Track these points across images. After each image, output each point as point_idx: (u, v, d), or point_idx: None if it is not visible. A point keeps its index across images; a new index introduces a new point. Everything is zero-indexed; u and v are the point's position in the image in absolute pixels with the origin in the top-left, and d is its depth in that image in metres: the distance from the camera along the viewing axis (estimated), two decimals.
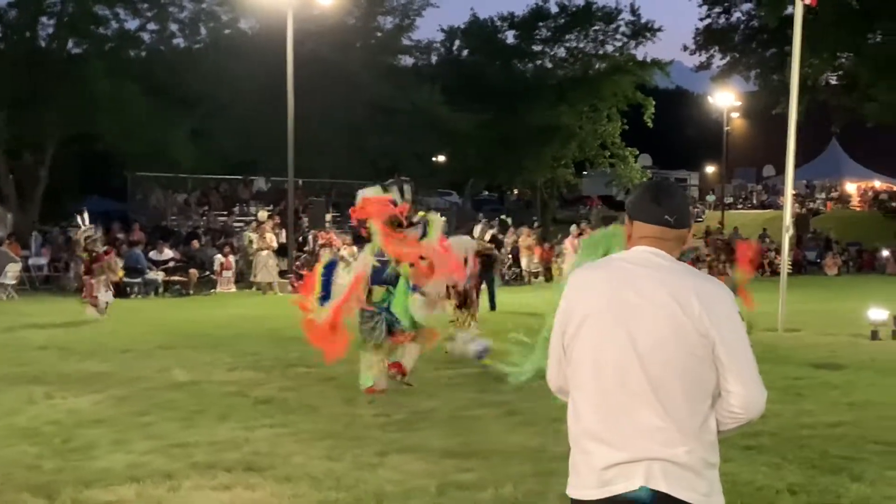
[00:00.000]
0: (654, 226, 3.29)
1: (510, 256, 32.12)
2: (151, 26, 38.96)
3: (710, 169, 69.98)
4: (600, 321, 3.22)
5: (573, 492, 3.30)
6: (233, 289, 28.14)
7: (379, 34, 46.91)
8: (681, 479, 3.12)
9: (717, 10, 49.91)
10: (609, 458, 3.16)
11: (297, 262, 28.50)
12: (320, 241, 30.44)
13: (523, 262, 32.47)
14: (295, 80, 29.21)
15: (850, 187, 57.46)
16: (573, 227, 33.22)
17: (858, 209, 53.74)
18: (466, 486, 7.10)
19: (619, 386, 3.18)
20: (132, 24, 38.33)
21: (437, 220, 11.47)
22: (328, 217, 37.76)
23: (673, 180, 64.31)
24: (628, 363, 3.16)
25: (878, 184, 56.63)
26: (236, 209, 38.49)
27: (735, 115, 58.47)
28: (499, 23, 51.72)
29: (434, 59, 52.26)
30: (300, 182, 37.19)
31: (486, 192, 61.52)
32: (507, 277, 31.14)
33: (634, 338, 3.16)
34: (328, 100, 38.35)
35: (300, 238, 32.15)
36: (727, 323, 3.19)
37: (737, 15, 50.29)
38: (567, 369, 3.34)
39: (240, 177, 40.33)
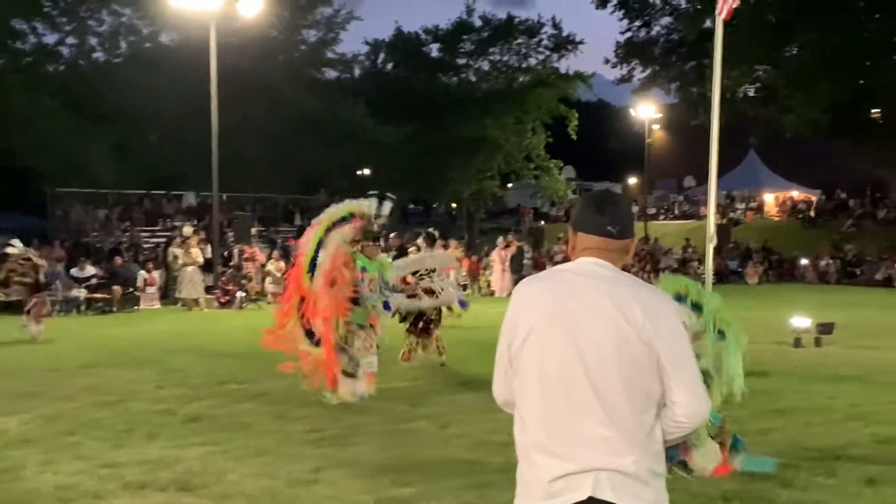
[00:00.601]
0: (597, 237, 3.31)
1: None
2: (70, 40, 38.51)
3: (632, 180, 70.85)
4: (546, 333, 3.23)
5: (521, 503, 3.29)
6: (157, 305, 27.79)
7: (303, 47, 46.74)
8: (628, 488, 3.13)
9: (638, 23, 50.59)
10: (556, 470, 3.16)
11: (223, 278, 28.23)
12: (245, 256, 30.24)
13: (450, 275, 32.46)
14: (218, 93, 28.96)
15: (769, 197, 58.45)
16: (500, 239, 33.42)
17: (777, 219, 54.69)
18: (404, 500, 7.08)
19: (564, 397, 3.18)
20: (51, 39, 37.82)
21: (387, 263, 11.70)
22: (254, 231, 37.47)
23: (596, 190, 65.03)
24: (574, 374, 3.17)
25: (795, 194, 57.66)
26: (159, 224, 38.03)
27: (656, 126, 59.24)
28: (423, 36, 51.93)
29: (358, 72, 52.27)
30: (224, 197, 36.87)
31: (412, 205, 61.58)
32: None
33: (580, 349, 3.17)
34: (252, 113, 38.14)
35: (225, 253, 31.85)
36: (671, 333, 3.21)
37: (657, 28, 51.04)
38: (513, 381, 3.34)
39: (163, 192, 39.86)
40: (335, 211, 10.68)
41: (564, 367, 3.19)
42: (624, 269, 3.33)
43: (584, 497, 3.12)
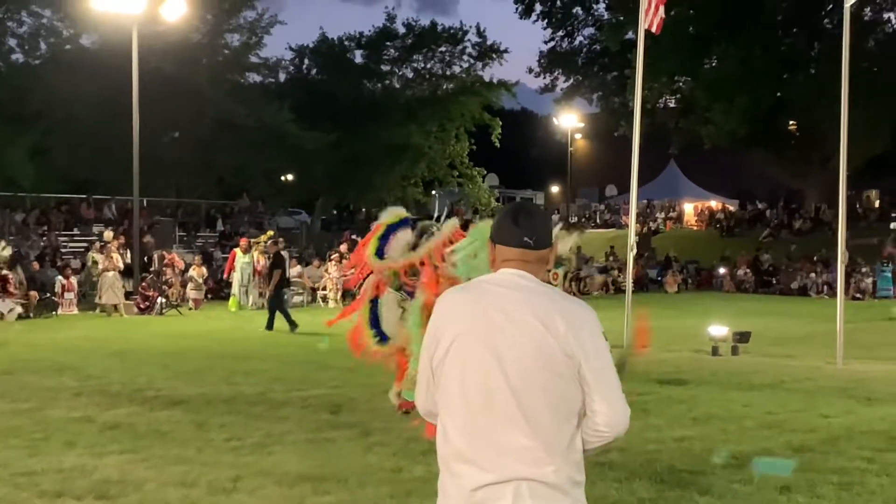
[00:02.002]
0: (515, 248, 3.33)
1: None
2: None
3: (555, 189, 71.46)
4: (468, 343, 3.25)
5: None
6: (75, 311, 27.33)
7: (226, 51, 46.37)
8: (548, 498, 3.15)
9: (561, 33, 51.19)
10: (478, 480, 3.17)
11: (143, 283, 27.87)
12: (165, 261, 29.90)
13: None
14: (140, 97, 28.62)
15: (688, 207, 59.34)
16: None
17: (696, 228, 55.53)
18: None
19: (486, 407, 3.20)
20: None
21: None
22: (175, 236, 37.08)
23: (518, 199, 65.48)
24: (495, 384, 3.20)
25: (714, 204, 58.63)
26: (78, 229, 37.41)
27: (579, 136, 59.92)
28: (347, 42, 51.84)
29: (283, 77, 52.00)
30: (145, 201, 36.43)
31: (336, 211, 61.36)
32: (357, 297, 31.00)
33: (501, 359, 3.20)
34: (174, 117, 37.77)
35: (146, 258, 31.44)
36: (592, 343, 3.25)
37: (580, 39, 51.73)
38: (436, 392, 3.36)
39: (83, 195, 39.24)
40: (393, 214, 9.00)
41: (486, 378, 3.21)
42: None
43: None
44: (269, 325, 21.65)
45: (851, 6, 17.45)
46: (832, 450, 8.96)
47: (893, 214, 48.94)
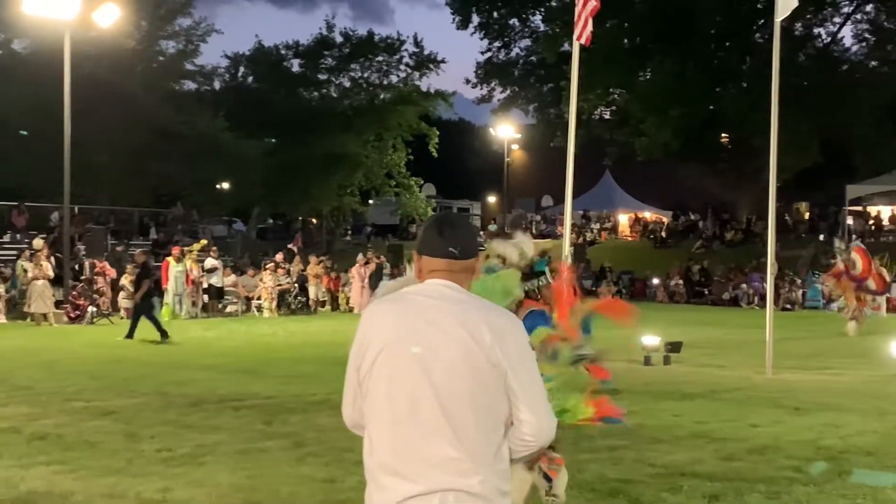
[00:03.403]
0: (441, 259, 3.35)
1: (296, 285, 31.91)
2: None
3: (492, 199, 71.64)
4: (394, 354, 3.25)
5: None
6: (3, 320, 26.87)
7: (161, 58, 45.97)
8: None
9: (497, 44, 51.40)
10: (404, 492, 3.17)
11: (74, 292, 27.47)
12: (97, 270, 29.49)
13: (311, 291, 32.32)
14: (72, 103, 28.24)
15: (623, 218, 59.82)
16: (360, 256, 33.43)
17: (630, 239, 56.00)
18: None
19: (412, 418, 3.20)
20: None
21: None
22: (107, 244, 36.57)
23: (456, 210, 65.65)
24: (422, 395, 3.20)
25: (648, 215, 59.18)
26: (7, 237, 36.75)
27: (516, 146, 60.10)
28: (284, 51, 51.67)
29: (218, 85, 51.67)
30: (76, 209, 35.93)
31: (272, 220, 61.08)
32: (293, 306, 30.95)
33: (428, 370, 3.20)
34: (106, 124, 37.30)
35: (76, 266, 30.98)
36: (518, 353, 3.27)
37: (516, 50, 51.96)
38: (363, 404, 3.35)
39: (13, 203, 38.58)
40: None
41: (413, 389, 3.21)
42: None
43: None
44: (130, 334, 21.27)
45: (782, 21, 17.72)
46: (760, 459, 9.07)
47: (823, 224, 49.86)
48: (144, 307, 22.11)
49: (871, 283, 24.48)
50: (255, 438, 10.10)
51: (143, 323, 21.31)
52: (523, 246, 6.78)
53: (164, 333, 21.13)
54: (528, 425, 3.27)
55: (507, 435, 3.28)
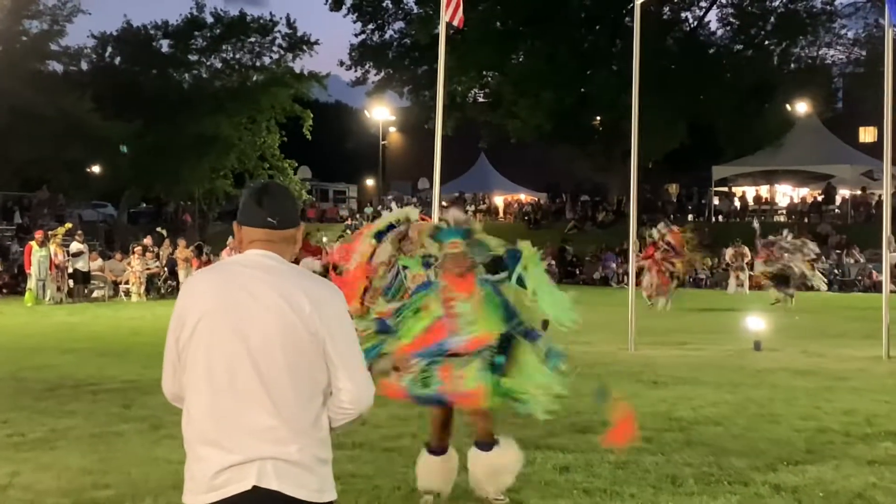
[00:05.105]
0: (259, 229, 3.35)
1: (165, 269, 31.37)
2: None
3: (369, 182, 71.50)
4: (212, 324, 3.24)
5: (188, 498, 3.28)
6: None
7: (24, 38, 44.59)
8: (293, 476, 3.18)
9: (371, 26, 51.22)
10: (222, 461, 3.17)
11: None
12: None
13: (181, 275, 31.80)
14: None
15: (498, 200, 60.36)
16: (230, 240, 32.97)
17: (505, 221, 56.53)
18: (102, 502, 6.93)
19: (231, 387, 3.20)
20: None
21: None
22: None
23: (332, 193, 65.38)
24: (240, 364, 3.20)
25: (523, 197, 59.84)
26: None
27: (392, 129, 60.17)
28: (153, 31, 50.59)
29: (85, 65, 50.30)
30: None
31: (144, 204, 59.83)
32: (162, 290, 30.48)
33: (246, 339, 3.20)
34: None
35: None
36: (337, 323, 3.30)
37: (390, 33, 51.83)
38: (182, 376, 3.33)
39: None
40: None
41: (231, 359, 3.21)
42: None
43: (248, 487, 3.15)
44: None
45: (649, 5, 18.06)
46: None
47: (691, 206, 51.15)
48: None
49: (678, 264, 25.23)
50: (111, 422, 9.96)
51: (5, 307, 20.76)
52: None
53: None
54: (347, 393, 3.30)
55: (326, 404, 3.31)
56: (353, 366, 3.32)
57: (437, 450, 6.91)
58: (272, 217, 3.35)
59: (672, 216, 46.43)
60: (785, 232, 27.17)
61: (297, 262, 3.75)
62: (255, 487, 3.16)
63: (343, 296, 3.43)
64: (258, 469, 3.16)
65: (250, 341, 3.21)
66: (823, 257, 32.06)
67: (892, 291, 17.00)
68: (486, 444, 6.83)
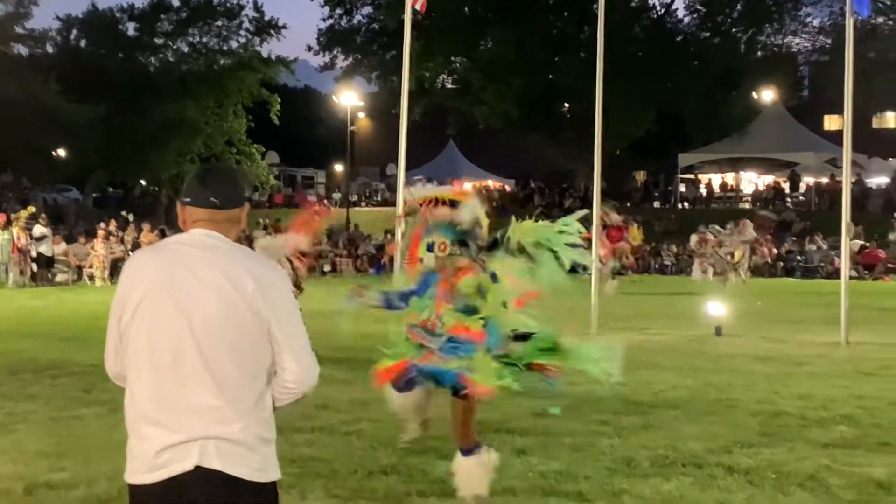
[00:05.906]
0: (203, 209, 3.36)
1: (129, 254, 31.17)
2: None
3: (338, 167, 71.26)
4: (155, 303, 3.25)
5: (130, 477, 3.30)
6: None
7: None
8: (235, 455, 3.19)
9: (339, 11, 51.09)
10: (164, 441, 3.18)
11: None
12: None
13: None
14: None
15: (467, 186, 60.32)
16: None
17: None
18: (57, 485, 6.90)
19: (174, 367, 3.21)
20: None
21: None
22: None
23: (300, 178, 65.15)
24: (183, 344, 3.21)
25: (491, 183, 59.86)
26: None
27: (361, 115, 59.92)
28: (118, 14, 50.23)
29: (50, 48, 49.87)
30: None
31: (111, 188, 59.43)
32: None
33: (189, 318, 3.22)
34: None
35: None
36: (281, 302, 3.32)
37: (358, 17, 51.72)
38: (125, 355, 3.33)
39: None
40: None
41: (173, 338, 3.22)
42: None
43: (190, 467, 3.17)
44: None
45: None
46: (571, 414, 9.26)
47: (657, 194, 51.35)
48: None
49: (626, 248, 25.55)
50: (71, 406, 9.92)
51: None
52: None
53: None
54: (291, 373, 3.32)
55: (269, 383, 3.33)
56: (299, 346, 3.34)
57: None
58: (215, 197, 3.35)
59: (639, 203, 46.75)
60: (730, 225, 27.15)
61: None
62: (196, 467, 3.17)
63: (286, 276, 3.45)
64: (200, 448, 3.18)
65: (192, 320, 3.22)
66: (770, 244, 32.01)
67: (851, 278, 17.19)
68: (467, 449, 6.76)
